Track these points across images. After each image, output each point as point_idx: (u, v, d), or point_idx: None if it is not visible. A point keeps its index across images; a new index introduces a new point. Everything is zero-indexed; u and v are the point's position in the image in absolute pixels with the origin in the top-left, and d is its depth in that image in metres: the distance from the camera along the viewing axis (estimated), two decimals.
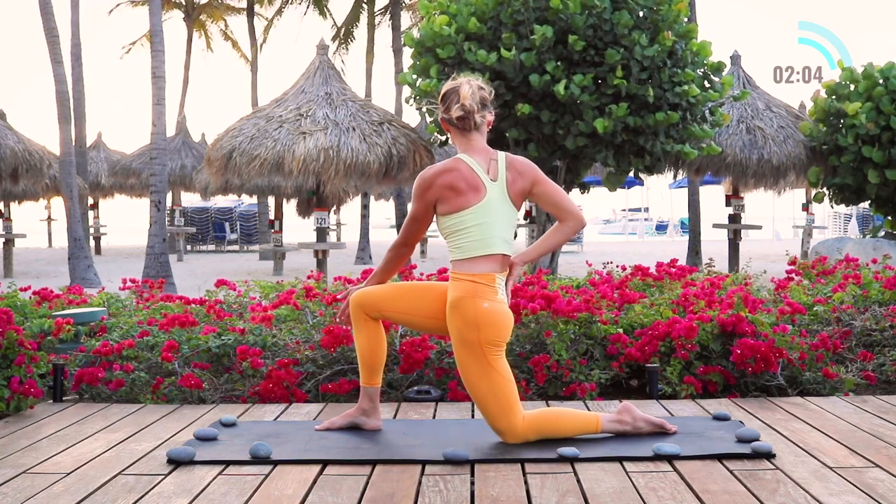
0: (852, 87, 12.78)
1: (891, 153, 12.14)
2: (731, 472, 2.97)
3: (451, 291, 3.31)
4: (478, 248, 3.29)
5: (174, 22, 29.59)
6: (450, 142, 8.88)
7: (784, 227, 35.66)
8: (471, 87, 3.35)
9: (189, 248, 28.25)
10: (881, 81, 12.34)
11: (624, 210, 49.91)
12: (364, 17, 26.12)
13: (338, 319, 3.65)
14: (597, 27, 9.83)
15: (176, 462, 3.14)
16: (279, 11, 27.34)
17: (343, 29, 26.27)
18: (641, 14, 10.04)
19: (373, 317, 3.49)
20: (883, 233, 13.62)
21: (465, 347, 3.26)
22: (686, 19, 10.35)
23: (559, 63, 9.75)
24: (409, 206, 3.50)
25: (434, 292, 3.44)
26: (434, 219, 3.42)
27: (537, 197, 3.40)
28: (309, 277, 6.30)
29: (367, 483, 2.91)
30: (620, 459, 3.11)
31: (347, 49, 26.41)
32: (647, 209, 48.09)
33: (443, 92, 3.41)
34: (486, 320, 3.23)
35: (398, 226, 21.09)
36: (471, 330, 3.24)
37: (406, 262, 3.66)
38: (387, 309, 3.47)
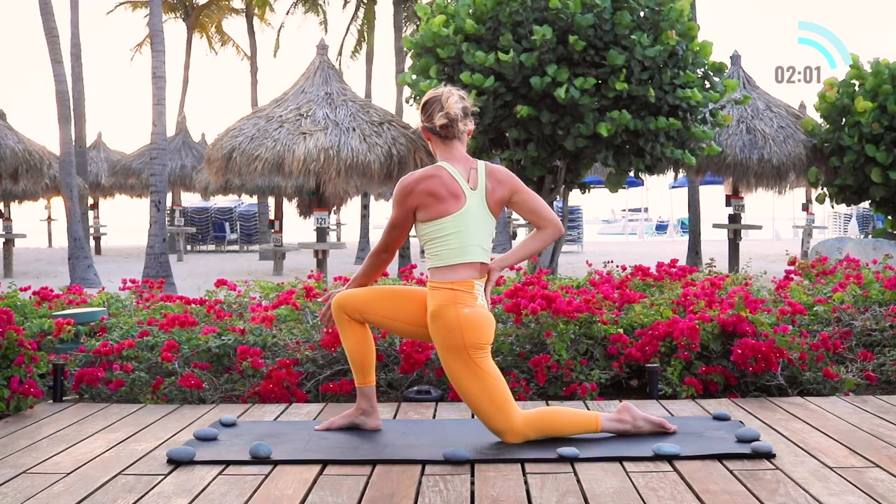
0: (857, 85, 12.72)
1: (894, 153, 12.12)
2: (731, 472, 2.97)
3: (431, 301, 3.32)
4: (456, 256, 3.31)
5: (174, 22, 29.56)
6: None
7: (784, 227, 35.66)
8: (453, 96, 3.38)
9: (189, 248, 28.25)
10: (888, 79, 12.26)
11: (624, 210, 49.90)
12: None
13: (320, 322, 3.65)
14: (597, 27, 9.81)
15: (176, 462, 3.14)
16: (299, 2, 27.19)
17: (345, 37, 26.32)
18: (643, 14, 10.03)
19: (356, 319, 3.50)
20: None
21: (452, 354, 3.27)
22: (687, 18, 10.35)
23: (560, 65, 9.74)
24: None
25: (416, 300, 3.46)
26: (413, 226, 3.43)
27: (516, 205, 3.42)
28: (309, 277, 6.30)
29: (367, 483, 2.91)
30: (620, 459, 3.11)
31: (356, 56, 26.47)
32: (646, 209, 48.07)
33: (424, 100, 3.43)
34: (468, 324, 3.24)
35: None
36: (454, 336, 3.25)
37: (386, 267, 3.67)
38: (369, 311, 3.48)
